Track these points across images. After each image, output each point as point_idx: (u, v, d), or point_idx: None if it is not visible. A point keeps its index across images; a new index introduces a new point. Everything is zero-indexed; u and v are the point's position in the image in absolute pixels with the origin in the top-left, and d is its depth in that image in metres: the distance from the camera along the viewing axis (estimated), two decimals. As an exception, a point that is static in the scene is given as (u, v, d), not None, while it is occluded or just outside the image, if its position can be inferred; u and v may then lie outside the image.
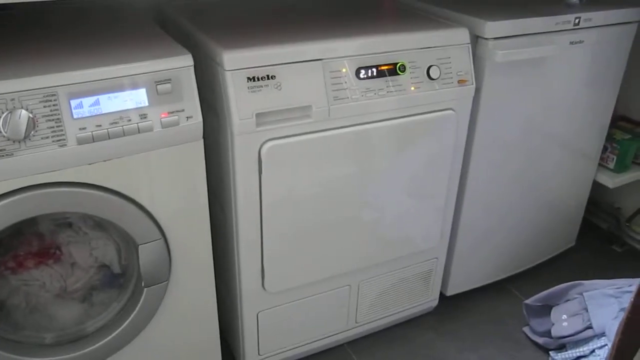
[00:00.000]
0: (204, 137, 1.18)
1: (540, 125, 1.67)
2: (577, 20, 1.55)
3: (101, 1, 1.53)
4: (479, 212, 1.71)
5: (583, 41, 1.59)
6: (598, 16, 1.59)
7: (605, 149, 1.93)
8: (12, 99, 0.98)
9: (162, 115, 1.10)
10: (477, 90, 1.49)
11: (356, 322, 1.64)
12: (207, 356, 1.43)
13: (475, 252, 1.78)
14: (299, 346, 1.57)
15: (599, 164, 1.95)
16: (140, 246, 1.17)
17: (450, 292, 1.82)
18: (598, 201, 2.22)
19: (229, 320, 1.55)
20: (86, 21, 1.40)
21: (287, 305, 1.47)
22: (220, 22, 1.42)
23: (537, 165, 1.74)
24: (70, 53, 1.12)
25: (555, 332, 1.62)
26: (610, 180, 1.93)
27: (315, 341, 1.59)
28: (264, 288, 1.41)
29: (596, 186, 1.99)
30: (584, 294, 1.61)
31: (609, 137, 1.91)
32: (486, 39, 1.45)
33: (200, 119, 1.14)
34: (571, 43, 1.58)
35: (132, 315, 1.23)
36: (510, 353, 1.67)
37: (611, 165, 1.94)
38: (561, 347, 1.63)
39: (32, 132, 1.00)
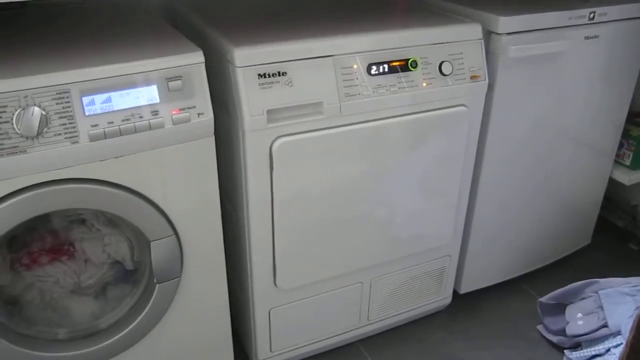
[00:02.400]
0: (215, 134, 1.18)
1: (555, 121, 1.65)
2: (592, 15, 1.53)
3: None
4: (492, 210, 1.69)
5: (598, 36, 1.57)
6: (613, 10, 1.57)
7: (621, 145, 1.90)
8: (25, 96, 0.99)
9: (173, 112, 1.10)
10: (490, 86, 1.47)
11: (368, 320, 1.63)
12: (219, 352, 1.44)
13: (489, 249, 1.77)
14: (312, 343, 1.57)
15: (615, 161, 1.92)
16: (152, 243, 1.18)
17: (463, 290, 1.80)
18: (614, 198, 2.19)
19: (241, 316, 1.55)
20: (97, 19, 1.41)
21: (299, 302, 1.47)
22: (231, 19, 1.42)
23: (551, 161, 1.73)
24: (81, 50, 1.12)
25: (570, 330, 1.60)
26: (626, 177, 1.90)
27: (327, 338, 1.59)
28: (275, 285, 1.41)
29: (612, 183, 1.96)
30: (600, 292, 1.59)
31: (625, 134, 1.88)
32: (499, 34, 1.43)
33: (212, 115, 1.15)
34: (586, 38, 1.56)
35: (144, 312, 1.24)
36: (524, 352, 1.66)
37: (627, 162, 1.91)
38: (576, 346, 1.61)
39: (45, 129, 1.01)
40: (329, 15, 1.46)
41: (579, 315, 1.60)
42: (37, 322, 1.21)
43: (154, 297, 1.24)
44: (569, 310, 1.65)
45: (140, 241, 1.23)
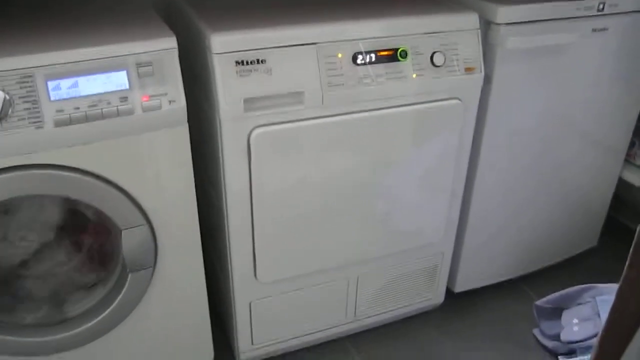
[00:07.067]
0: (196, 122, 1.14)
1: (559, 116, 1.57)
2: (601, 6, 1.45)
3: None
4: (490, 206, 1.63)
5: (607, 29, 1.48)
6: (625, 2, 1.47)
7: (632, 144, 1.81)
8: (-12, 79, 0.97)
9: (143, 99, 1.07)
10: (488, 79, 1.41)
11: (355, 316, 1.59)
12: (197, 343, 1.41)
13: (487, 247, 1.71)
14: (295, 338, 1.54)
15: (626, 160, 1.83)
16: (123, 231, 1.16)
17: (458, 288, 1.75)
18: (625, 199, 2.09)
19: (224, 307, 1.53)
20: (84, 4, 1.38)
21: (280, 296, 1.44)
22: (220, 6, 1.38)
23: (555, 158, 1.65)
24: (52, 34, 1.10)
25: (564, 336, 1.53)
26: (637, 178, 1.81)
27: (311, 333, 1.55)
28: (256, 277, 1.38)
29: (623, 183, 1.87)
30: (597, 298, 1.52)
31: (637, 132, 1.79)
32: (497, 24, 1.36)
33: (184, 103, 1.11)
34: (594, 30, 1.47)
35: (116, 301, 1.22)
36: (516, 356, 1.60)
37: (638, 161, 1.82)
38: (571, 352, 1.55)
39: (10, 112, 0.99)
40: (319, 2, 1.41)
41: (575, 321, 1.53)
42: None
43: (126, 286, 1.21)
44: (565, 315, 1.58)
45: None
